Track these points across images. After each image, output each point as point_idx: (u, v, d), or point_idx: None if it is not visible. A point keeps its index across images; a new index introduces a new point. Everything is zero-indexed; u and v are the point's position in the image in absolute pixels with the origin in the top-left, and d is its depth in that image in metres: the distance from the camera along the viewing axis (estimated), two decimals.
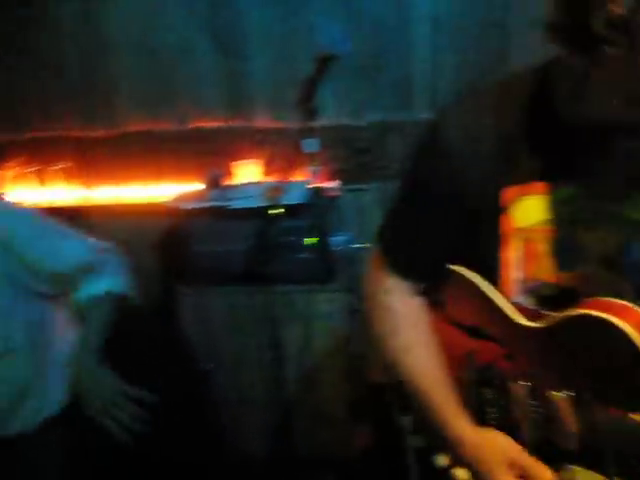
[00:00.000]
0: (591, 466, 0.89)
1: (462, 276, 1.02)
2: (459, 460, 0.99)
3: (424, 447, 1.11)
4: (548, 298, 0.93)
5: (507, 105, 0.91)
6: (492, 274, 0.97)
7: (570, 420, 0.88)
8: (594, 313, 0.83)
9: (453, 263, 1.04)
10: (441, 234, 1.00)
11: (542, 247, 0.92)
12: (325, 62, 1.94)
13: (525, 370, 0.95)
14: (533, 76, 0.91)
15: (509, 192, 0.91)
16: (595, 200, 0.88)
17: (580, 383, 0.87)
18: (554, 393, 0.90)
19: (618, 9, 0.65)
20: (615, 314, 0.82)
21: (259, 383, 2.31)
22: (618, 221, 0.89)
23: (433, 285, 1.09)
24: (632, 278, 0.90)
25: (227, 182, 2.45)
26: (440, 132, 0.94)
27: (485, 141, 0.90)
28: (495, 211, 0.92)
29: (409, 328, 1.08)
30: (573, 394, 0.88)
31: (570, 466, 0.90)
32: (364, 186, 2.52)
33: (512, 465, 0.91)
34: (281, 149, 2.45)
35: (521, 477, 0.90)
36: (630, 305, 0.84)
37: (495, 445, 0.94)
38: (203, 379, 2.23)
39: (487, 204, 0.92)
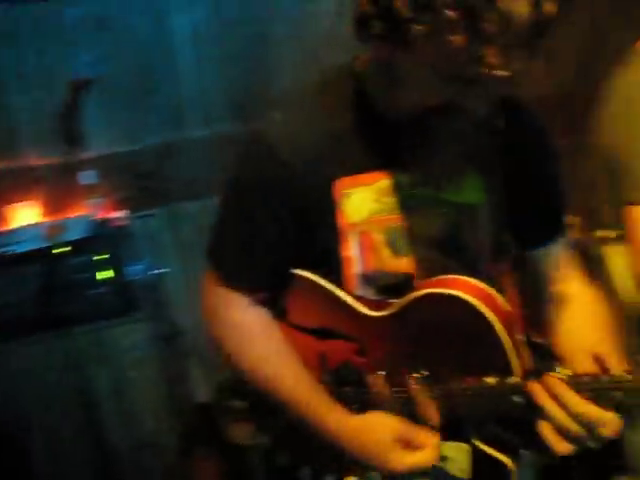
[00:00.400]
0: (455, 436, 0.95)
1: (305, 278, 1.01)
2: (345, 457, 0.98)
3: (288, 465, 1.08)
4: (389, 287, 0.97)
5: (330, 103, 0.94)
6: (334, 272, 0.98)
7: (429, 398, 0.92)
8: (436, 290, 0.90)
9: (293, 267, 1.02)
10: (275, 240, 0.98)
11: (377, 237, 0.95)
12: (79, 88, 1.89)
13: (379, 360, 0.97)
14: (348, 73, 0.95)
15: (340, 186, 0.92)
16: (420, 186, 0.93)
17: (433, 360, 0.92)
18: (410, 375, 0.93)
19: None
20: (454, 288, 0.89)
21: (76, 433, 2.14)
22: (443, 205, 0.95)
23: (274, 292, 1.05)
24: (458, 257, 0.98)
25: (2, 228, 2.25)
26: (266, 138, 0.94)
27: (313, 140, 0.92)
28: (329, 208, 0.93)
29: (260, 339, 1.04)
30: (427, 372, 0.93)
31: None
32: (151, 211, 2.44)
33: (399, 439, 0.92)
34: (56, 185, 2.31)
35: (409, 448, 0.91)
36: (463, 278, 0.92)
37: (377, 424, 0.95)
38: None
39: (320, 202, 0.93)
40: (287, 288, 1.03)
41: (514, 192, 1.00)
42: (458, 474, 0.95)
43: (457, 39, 0.69)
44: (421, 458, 0.91)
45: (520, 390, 0.85)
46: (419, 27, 0.70)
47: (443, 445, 0.93)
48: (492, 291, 0.91)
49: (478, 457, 0.94)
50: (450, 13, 0.67)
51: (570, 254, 1.09)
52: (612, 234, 1.60)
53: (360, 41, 0.82)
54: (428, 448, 0.91)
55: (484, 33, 0.67)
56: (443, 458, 0.94)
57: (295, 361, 1.02)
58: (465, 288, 0.89)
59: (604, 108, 1.18)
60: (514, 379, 0.87)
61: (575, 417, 0.78)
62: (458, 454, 0.95)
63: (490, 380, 0.88)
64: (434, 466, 0.92)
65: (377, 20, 0.75)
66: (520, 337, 0.93)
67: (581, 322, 1.01)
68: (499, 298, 0.91)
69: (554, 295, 1.06)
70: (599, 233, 1.72)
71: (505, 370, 0.87)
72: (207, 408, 1.94)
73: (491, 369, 0.88)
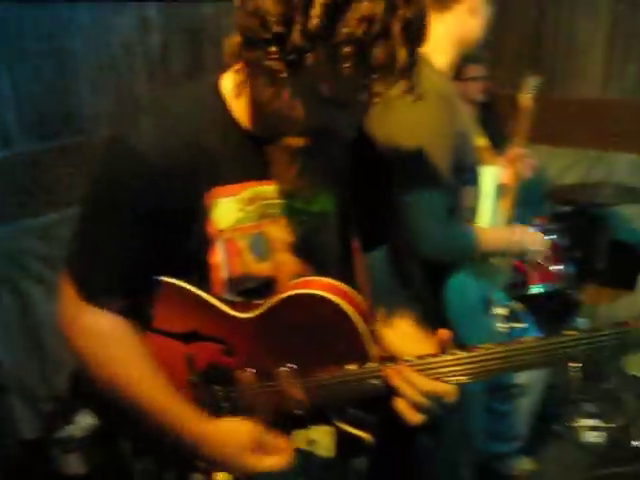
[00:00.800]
0: (319, 421, 1.05)
1: (171, 284, 1.03)
2: (208, 460, 1.03)
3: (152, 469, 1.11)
4: (253, 290, 1.04)
5: (197, 117, 0.97)
6: (202, 277, 1.01)
7: (296, 389, 1.01)
8: (298, 291, 1.00)
9: (160, 273, 1.03)
10: (133, 247, 0.98)
11: (242, 244, 1.01)
12: None
13: (247, 359, 1.04)
14: (214, 90, 0.98)
15: (209, 196, 0.97)
16: (280, 197, 1.01)
17: (299, 354, 1.01)
18: (277, 370, 1.01)
19: (315, 20, 0.72)
20: (314, 288, 0.99)
21: None
22: (300, 214, 1.05)
23: (135, 299, 1.05)
24: (314, 259, 1.08)
25: None
26: (131, 149, 0.93)
27: (182, 151, 0.94)
28: (197, 216, 0.97)
29: (117, 347, 1.03)
30: (294, 366, 1.01)
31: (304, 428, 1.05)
32: None
33: (254, 443, 0.99)
34: None
35: (263, 451, 0.99)
36: (321, 278, 1.02)
37: (234, 430, 1.01)
38: None
39: (188, 211, 0.96)
40: (151, 294, 1.04)
41: (359, 204, 1.13)
42: (325, 454, 1.06)
43: (346, 69, 0.76)
44: (275, 461, 1.00)
45: (377, 374, 0.98)
46: (312, 55, 0.76)
47: (309, 430, 1.04)
48: (347, 288, 1.02)
49: (341, 437, 1.06)
50: (343, 46, 0.74)
51: None
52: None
53: (237, 61, 0.89)
54: (282, 451, 1.00)
55: (372, 65, 0.76)
56: (310, 442, 1.05)
57: (154, 368, 1.04)
58: (323, 287, 1.00)
59: None
60: (372, 365, 0.99)
61: (423, 393, 0.93)
62: (323, 436, 1.06)
63: (351, 367, 0.99)
64: (302, 450, 1.03)
65: (269, 44, 0.78)
66: (374, 327, 1.05)
67: None
68: (353, 293, 1.02)
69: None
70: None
71: (363, 357, 1.00)
72: (34, 444, 1.83)
73: (351, 357, 1.00)
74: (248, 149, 0.99)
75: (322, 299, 0.97)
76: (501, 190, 1.71)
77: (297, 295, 1.00)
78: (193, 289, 1.02)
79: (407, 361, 0.96)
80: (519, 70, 3.41)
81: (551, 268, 2.68)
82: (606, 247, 2.80)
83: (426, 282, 1.49)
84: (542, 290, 2.66)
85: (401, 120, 1.36)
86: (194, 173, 0.95)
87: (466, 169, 1.51)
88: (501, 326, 1.59)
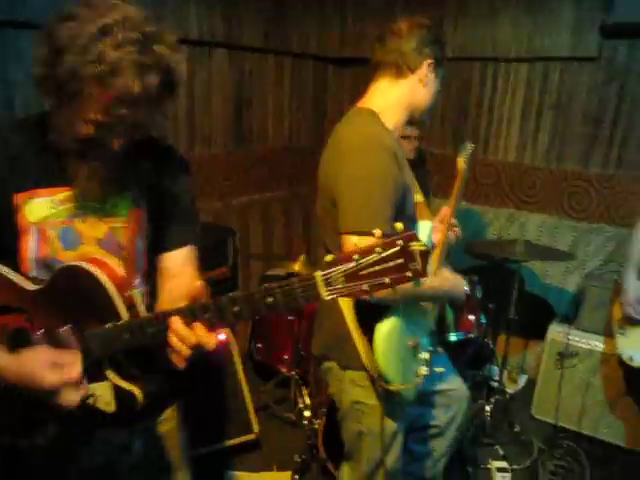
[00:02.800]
0: (98, 378, 1.20)
1: None
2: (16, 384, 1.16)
3: None
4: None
5: (20, 133, 1.24)
6: (14, 260, 1.24)
7: (76, 345, 1.17)
8: (67, 264, 1.19)
9: None
10: None
11: (51, 233, 1.24)
12: None
13: (42, 322, 1.20)
14: (42, 115, 1.24)
15: (19, 197, 1.21)
16: (84, 200, 1.24)
17: (74, 315, 1.18)
18: (60, 329, 1.18)
19: (65, 65, 1.05)
20: (85, 262, 1.19)
21: None
22: (101, 214, 1.28)
23: None
24: (115, 253, 1.29)
25: None
26: None
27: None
28: (10, 212, 1.21)
29: None
30: (72, 325, 1.18)
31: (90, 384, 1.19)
32: None
33: (47, 362, 1.12)
34: None
35: (57, 367, 1.12)
36: (96, 257, 1.24)
37: (29, 356, 1.14)
38: None
39: (2, 209, 1.21)
40: None
41: (155, 209, 1.36)
42: (107, 408, 1.22)
43: (90, 99, 1.07)
44: (67, 372, 1.13)
45: (153, 324, 1.13)
46: (67, 93, 1.07)
47: (90, 386, 1.19)
48: (110, 261, 1.24)
49: (117, 391, 1.23)
50: (90, 89, 1.05)
51: (191, 255, 1.42)
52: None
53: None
54: (72, 364, 1.14)
55: (112, 95, 1.06)
56: (91, 396, 1.20)
57: None
58: (89, 260, 1.20)
59: (323, 155, 1.68)
60: (148, 316, 1.17)
61: (185, 341, 1.07)
62: (103, 392, 1.21)
63: (108, 325, 1.17)
64: (86, 402, 1.18)
65: (45, 81, 1.09)
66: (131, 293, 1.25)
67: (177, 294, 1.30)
68: (115, 266, 1.23)
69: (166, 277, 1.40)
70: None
71: (116, 317, 1.19)
72: None
73: (108, 317, 1.18)
74: (58, 160, 1.21)
75: (83, 269, 1.18)
76: (432, 246, 1.83)
77: (66, 267, 1.19)
78: (3, 269, 1.23)
79: (177, 311, 1.09)
80: (446, 133, 3.76)
81: (467, 318, 2.90)
82: (518, 299, 3.02)
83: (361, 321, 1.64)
84: (457, 338, 2.86)
85: (353, 167, 1.55)
86: (9, 179, 1.21)
87: (404, 221, 1.63)
88: (424, 370, 1.71)
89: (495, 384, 3.32)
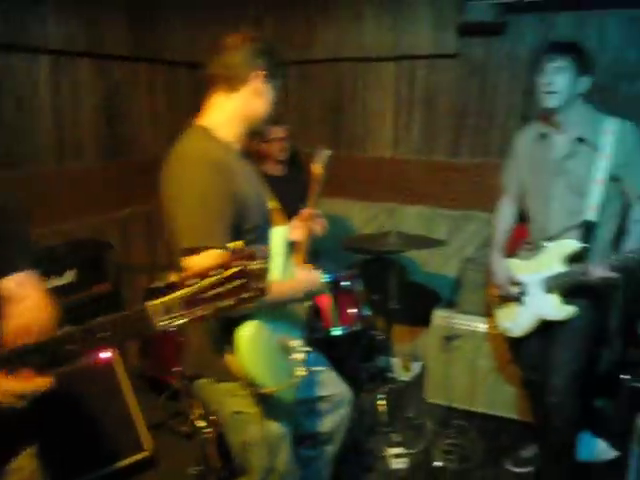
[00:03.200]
0: None
1: None
2: None
3: None
4: None
5: None
6: None
7: None
8: None
9: None
10: None
11: None
12: None
13: None
14: None
15: None
16: None
17: None
18: None
19: None
20: None
21: None
22: None
23: None
24: None
25: None
26: None
27: None
28: None
29: None
30: None
31: None
32: None
33: None
34: None
35: None
36: None
37: None
38: None
39: None
40: None
41: None
42: None
43: None
44: None
45: None
46: None
47: None
48: None
49: None
50: None
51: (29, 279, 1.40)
52: None
53: None
54: None
55: None
56: None
57: None
58: None
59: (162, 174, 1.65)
60: None
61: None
62: None
63: None
64: None
65: None
66: None
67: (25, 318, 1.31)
68: None
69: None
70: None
71: None
72: None
73: None
74: None
75: None
76: (292, 247, 1.87)
77: None
78: None
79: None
80: (324, 132, 3.82)
81: (349, 311, 2.95)
82: (401, 289, 3.12)
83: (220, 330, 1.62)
84: (341, 332, 2.91)
85: (180, 185, 1.56)
86: None
87: (250, 230, 1.64)
88: (300, 370, 1.71)
89: (389, 374, 3.41)
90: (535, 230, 2.49)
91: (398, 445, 2.94)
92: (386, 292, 3.12)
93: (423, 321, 3.47)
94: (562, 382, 2.34)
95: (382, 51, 3.54)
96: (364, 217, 3.83)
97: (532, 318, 2.44)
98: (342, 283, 3.05)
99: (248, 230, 1.64)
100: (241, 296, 0.93)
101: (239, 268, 0.92)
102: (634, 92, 3.07)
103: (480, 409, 3.21)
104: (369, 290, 3.19)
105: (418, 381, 3.54)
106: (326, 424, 2.08)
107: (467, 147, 3.49)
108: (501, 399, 3.14)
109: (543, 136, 2.38)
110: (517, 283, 2.47)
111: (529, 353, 2.60)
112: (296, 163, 3.46)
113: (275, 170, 3.21)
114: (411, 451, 2.91)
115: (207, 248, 1.45)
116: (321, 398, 2.06)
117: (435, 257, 3.65)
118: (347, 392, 2.15)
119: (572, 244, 2.29)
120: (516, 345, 2.63)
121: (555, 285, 2.34)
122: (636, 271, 2.17)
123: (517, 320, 2.50)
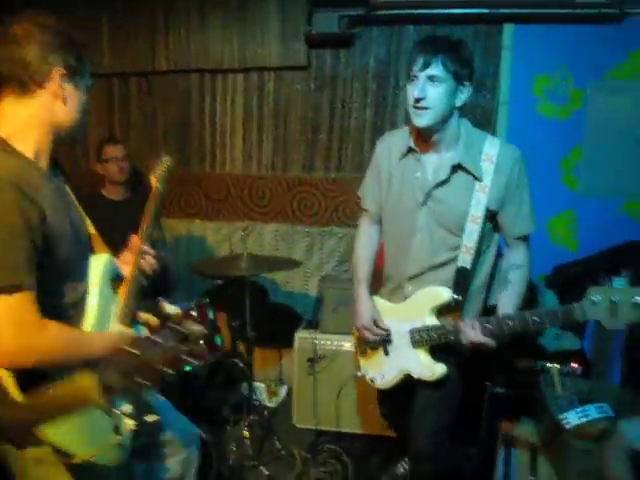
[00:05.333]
0: None
1: None
2: None
3: None
4: None
5: None
6: None
7: None
8: None
9: None
10: None
11: None
12: None
13: None
14: None
15: None
16: None
17: None
18: None
19: None
20: None
21: None
22: None
23: None
24: None
25: None
26: None
27: None
28: None
29: None
30: None
31: None
32: None
33: None
34: None
35: None
36: None
37: None
38: None
39: None
40: None
41: None
42: None
43: None
44: None
45: None
46: None
47: None
48: None
49: None
50: None
51: None
52: None
53: None
54: None
55: None
56: None
57: None
58: None
59: None
60: None
61: None
62: None
63: None
64: None
65: None
66: None
67: None
68: None
69: None
70: None
71: None
72: None
73: None
74: None
75: None
76: (117, 281, 1.59)
77: None
78: None
79: None
80: (171, 149, 3.57)
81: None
82: (260, 311, 2.96)
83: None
84: (190, 367, 2.68)
85: None
86: None
87: (63, 262, 1.39)
88: (130, 424, 1.48)
89: (256, 402, 3.23)
90: (391, 265, 2.17)
91: (268, 479, 2.77)
92: (245, 316, 2.94)
93: (287, 343, 3.34)
94: (427, 441, 2.10)
95: (230, 62, 3.36)
96: (218, 238, 3.62)
97: (397, 371, 2.13)
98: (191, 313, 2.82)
99: (59, 262, 1.37)
100: None
101: None
102: (480, 103, 3.17)
103: (349, 430, 3.12)
104: (228, 316, 3.00)
105: (286, 406, 3.39)
106: (173, 469, 1.85)
107: (321, 162, 3.41)
108: (370, 418, 3.08)
109: (411, 152, 2.02)
110: (383, 328, 2.13)
111: (391, 403, 2.43)
112: (139, 186, 3.15)
113: (113, 193, 2.92)
114: None
115: (12, 287, 1.22)
116: (163, 442, 1.82)
117: (296, 276, 3.54)
118: (192, 430, 1.94)
119: (443, 294, 1.96)
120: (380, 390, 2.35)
121: (420, 339, 2.01)
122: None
123: (382, 370, 2.20)
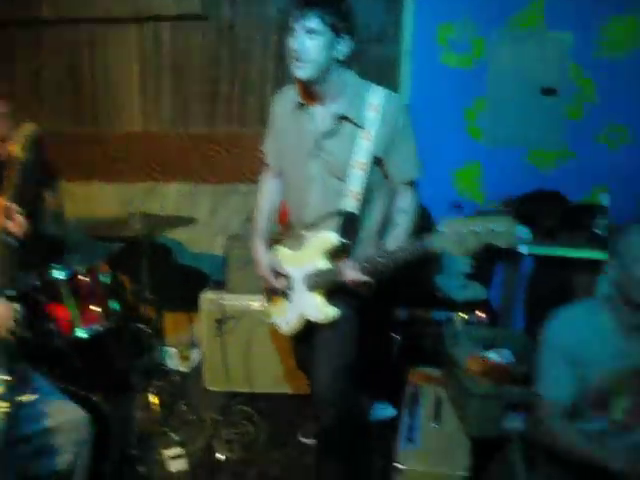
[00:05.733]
0: None
1: None
2: None
3: None
4: None
5: None
6: None
7: None
8: None
9: None
10: None
11: None
12: None
13: None
14: None
15: None
16: None
17: None
18: None
19: None
20: None
21: None
22: None
23: None
24: None
25: None
26: None
27: None
28: None
29: None
30: None
31: None
32: None
33: None
34: None
35: None
36: None
37: None
38: None
39: None
40: None
41: None
42: None
43: None
44: None
45: None
46: None
47: None
48: None
49: None
50: None
51: None
52: None
53: None
54: None
55: None
56: None
57: None
58: None
59: None
60: None
61: None
62: None
63: None
64: None
65: None
66: None
67: None
68: None
69: None
70: None
71: None
72: None
73: None
74: None
75: None
76: None
77: None
78: None
79: None
80: (62, 106, 3.33)
81: (92, 309, 2.60)
82: (167, 274, 2.85)
83: None
84: (87, 334, 2.56)
85: None
86: None
87: None
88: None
89: (167, 367, 3.17)
90: (292, 215, 2.22)
91: (177, 445, 2.70)
92: (152, 279, 2.82)
93: (197, 306, 3.25)
94: (326, 382, 2.11)
95: (122, 11, 3.14)
96: (120, 200, 3.44)
97: (298, 316, 2.18)
98: (80, 277, 2.67)
99: None
100: None
101: None
102: (383, 53, 3.10)
103: (261, 390, 3.09)
104: (129, 279, 2.87)
105: (199, 370, 3.31)
106: (62, 460, 1.77)
107: (223, 117, 3.27)
108: (283, 376, 3.05)
109: (301, 106, 2.02)
110: (285, 275, 2.19)
111: (300, 351, 2.45)
112: (36, 149, 2.91)
113: None
114: (190, 449, 2.69)
115: None
116: (46, 432, 1.73)
117: (201, 236, 3.42)
118: (78, 413, 1.86)
119: (331, 238, 2.01)
120: (291, 338, 2.41)
121: (315, 283, 2.06)
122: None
123: (286, 317, 2.25)
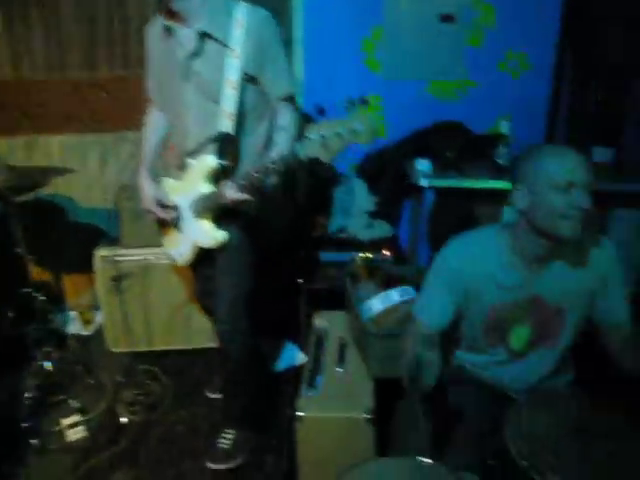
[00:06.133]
0: None
1: None
2: None
3: None
4: None
5: None
6: None
7: None
8: None
9: None
10: None
11: None
12: None
13: None
14: None
15: None
16: None
17: None
18: None
19: None
20: None
21: None
22: None
23: None
24: None
25: None
26: None
27: None
28: None
29: None
30: None
31: None
32: None
33: None
34: None
35: None
36: None
37: None
38: None
39: None
40: None
41: None
42: None
43: None
44: None
45: None
46: None
47: None
48: None
49: None
50: None
51: None
52: None
53: None
54: None
55: None
56: None
57: None
58: None
59: None
60: None
61: None
62: None
63: None
64: None
65: None
66: None
67: None
68: None
69: None
70: None
71: None
72: None
73: None
74: None
75: None
76: None
77: None
78: None
79: None
80: None
81: None
82: (61, 234, 2.64)
83: None
84: None
85: None
86: None
87: None
88: None
89: (67, 332, 3.02)
90: (176, 144, 2.14)
91: (76, 412, 2.54)
92: (44, 240, 2.60)
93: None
94: (226, 310, 2.15)
95: None
96: None
97: (190, 245, 2.14)
98: None
99: None
100: None
101: None
102: None
103: (166, 347, 2.97)
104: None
105: (102, 333, 3.14)
106: None
107: (104, 59, 3.00)
108: (185, 331, 2.93)
109: (168, 30, 1.94)
110: (173, 206, 2.15)
111: (199, 280, 2.39)
112: None
113: None
114: (90, 415, 2.54)
115: None
116: None
117: (94, 190, 3.19)
118: None
119: (209, 161, 1.96)
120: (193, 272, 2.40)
121: (201, 209, 2.02)
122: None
123: (179, 248, 2.20)
